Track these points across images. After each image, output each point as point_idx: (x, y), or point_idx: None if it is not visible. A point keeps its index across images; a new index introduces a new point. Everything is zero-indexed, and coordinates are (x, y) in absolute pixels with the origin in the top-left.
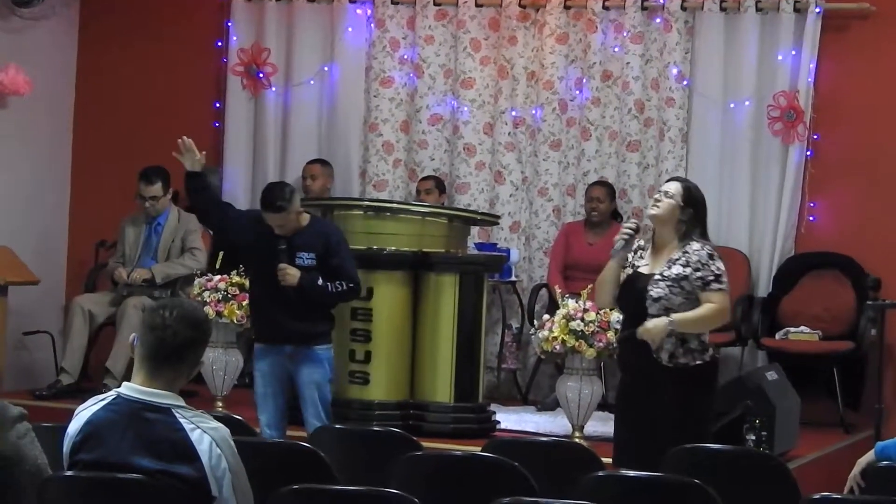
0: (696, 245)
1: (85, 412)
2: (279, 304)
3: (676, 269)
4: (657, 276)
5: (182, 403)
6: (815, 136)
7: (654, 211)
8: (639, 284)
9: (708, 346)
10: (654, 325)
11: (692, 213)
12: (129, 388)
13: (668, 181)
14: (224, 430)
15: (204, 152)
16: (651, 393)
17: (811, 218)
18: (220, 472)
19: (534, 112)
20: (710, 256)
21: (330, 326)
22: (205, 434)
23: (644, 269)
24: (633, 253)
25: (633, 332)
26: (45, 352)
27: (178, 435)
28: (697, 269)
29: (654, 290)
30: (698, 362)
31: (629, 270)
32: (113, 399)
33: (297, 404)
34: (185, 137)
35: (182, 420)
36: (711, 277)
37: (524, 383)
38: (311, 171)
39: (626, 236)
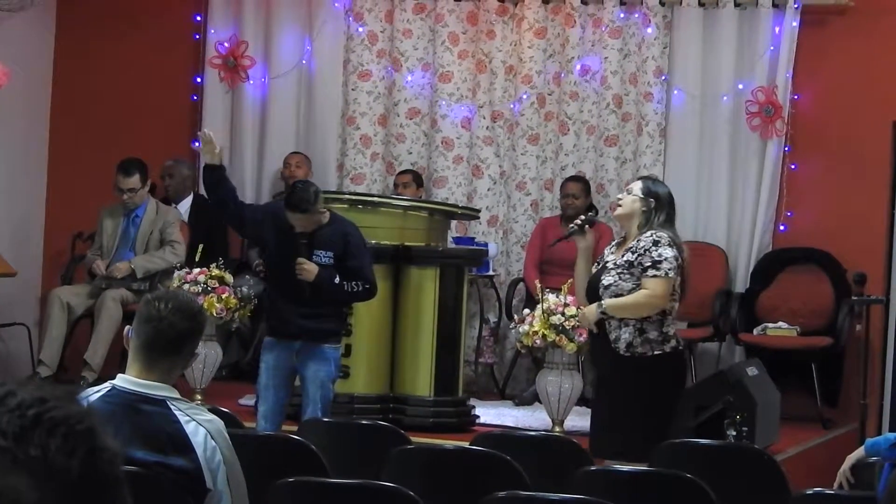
0: (648, 233)
1: None
2: (293, 299)
3: (627, 256)
4: (611, 266)
5: (177, 395)
6: (793, 132)
7: (617, 211)
8: (598, 274)
9: (670, 338)
10: (587, 309)
11: (653, 203)
12: (124, 380)
13: (633, 181)
14: (219, 423)
15: (223, 146)
16: (614, 384)
17: (789, 213)
18: (214, 464)
19: (512, 106)
20: (655, 243)
21: (341, 326)
22: (200, 426)
23: (609, 264)
24: (608, 249)
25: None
26: (21, 344)
27: (174, 427)
28: (640, 255)
29: (606, 279)
30: (657, 352)
31: (600, 266)
32: (108, 391)
33: (295, 400)
34: (205, 130)
35: (177, 412)
36: (649, 263)
37: (501, 377)
38: (296, 159)
39: (575, 225)
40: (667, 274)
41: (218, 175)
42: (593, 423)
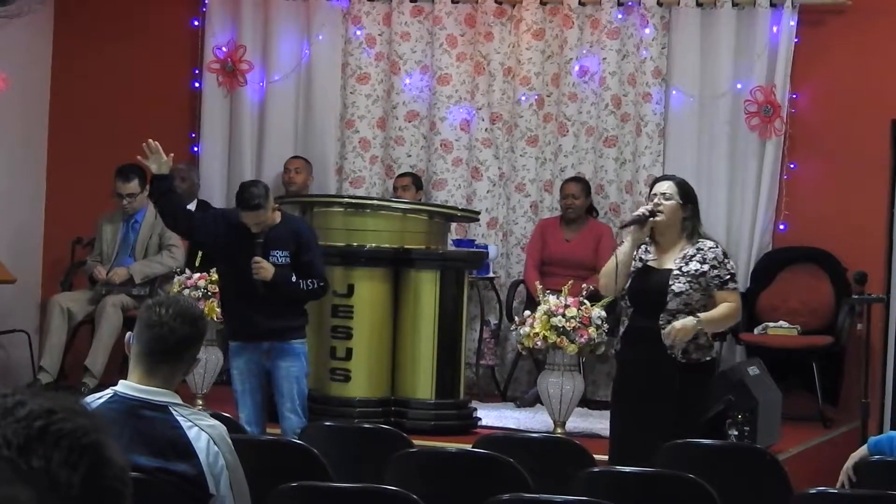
0: (710, 243)
1: None
2: (254, 300)
3: (694, 266)
4: (676, 272)
5: (179, 401)
6: (792, 131)
7: (659, 218)
8: (656, 278)
9: (713, 343)
10: (683, 326)
11: (692, 208)
12: (125, 386)
13: (657, 181)
14: (221, 428)
15: (172, 154)
16: (658, 387)
17: (788, 212)
18: (217, 469)
19: (510, 108)
20: (725, 255)
21: (305, 321)
22: (202, 432)
23: (653, 264)
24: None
25: (646, 329)
26: (22, 350)
27: (176, 433)
28: (714, 267)
29: (677, 285)
30: (707, 358)
31: (637, 263)
32: (110, 397)
33: (272, 399)
34: (150, 140)
35: (179, 418)
36: (728, 276)
37: (502, 379)
38: (295, 164)
39: (643, 214)
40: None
41: (166, 185)
42: (627, 427)
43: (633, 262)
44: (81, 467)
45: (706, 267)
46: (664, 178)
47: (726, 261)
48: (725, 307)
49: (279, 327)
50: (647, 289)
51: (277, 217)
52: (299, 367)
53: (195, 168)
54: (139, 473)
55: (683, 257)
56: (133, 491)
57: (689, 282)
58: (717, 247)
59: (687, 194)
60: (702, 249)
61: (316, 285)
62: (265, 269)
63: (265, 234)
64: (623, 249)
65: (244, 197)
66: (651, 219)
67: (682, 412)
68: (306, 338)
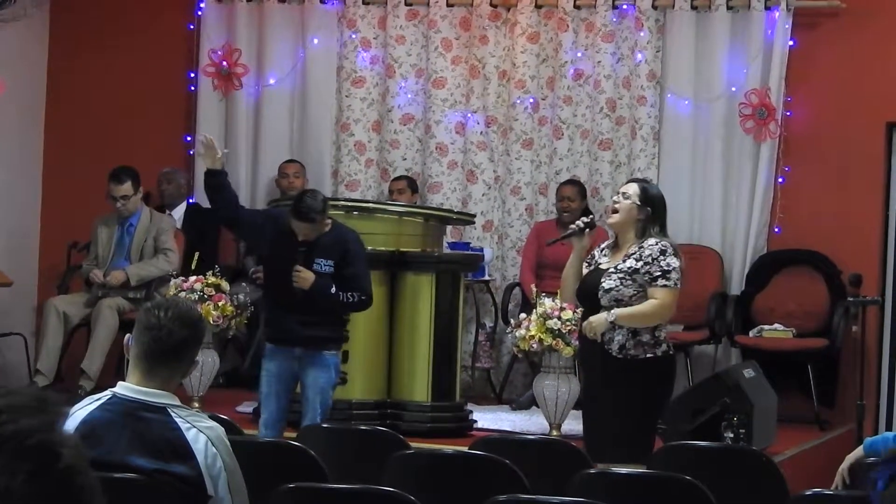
0: (651, 240)
1: (80, 412)
2: (292, 306)
3: (630, 263)
4: (611, 270)
5: (177, 402)
6: (787, 134)
7: (612, 219)
8: (594, 277)
9: (661, 342)
10: (595, 318)
11: (650, 211)
12: (124, 388)
13: (626, 182)
14: (219, 429)
15: (227, 150)
16: (605, 385)
17: (783, 215)
18: (215, 470)
19: (506, 111)
20: (663, 252)
21: (341, 332)
22: (200, 433)
23: (604, 265)
24: (599, 251)
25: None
26: (18, 354)
27: (174, 434)
28: (647, 264)
29: (607, 282)
30: (649, 356)
31: (592, 267)
32: (108, 399)
33: (296, 407)
34: (206, 135)
35: (178, 419)
36: (658, 273)
37: (498, 382)
38: (293, 168)
39: (576, 227)
40: (675, 284)
41: (219, 180)
42: (585, 425)
43: (588, 267)
44: (22, 471)
45: (639, 264)
46: (633, 180)
47: (662, 258)
48: (647, 303)
49: (313, 336)
50: (586, 288)
51: (327, 225)
52: (327, 378)
53: (181, 170)
54: (137, 475)
55: (625, 256)
56: (130, 490)
57: (620, 278)
58: (656, 244)
59: (649, 198)
60: (643, 247)
61: (357, 298)
62: (304, 278)
63: (312, 241)
64: (570, 261)
65: (301, 208)
66: (587, 230)
67: (624, 409)
68: (340, 349)
